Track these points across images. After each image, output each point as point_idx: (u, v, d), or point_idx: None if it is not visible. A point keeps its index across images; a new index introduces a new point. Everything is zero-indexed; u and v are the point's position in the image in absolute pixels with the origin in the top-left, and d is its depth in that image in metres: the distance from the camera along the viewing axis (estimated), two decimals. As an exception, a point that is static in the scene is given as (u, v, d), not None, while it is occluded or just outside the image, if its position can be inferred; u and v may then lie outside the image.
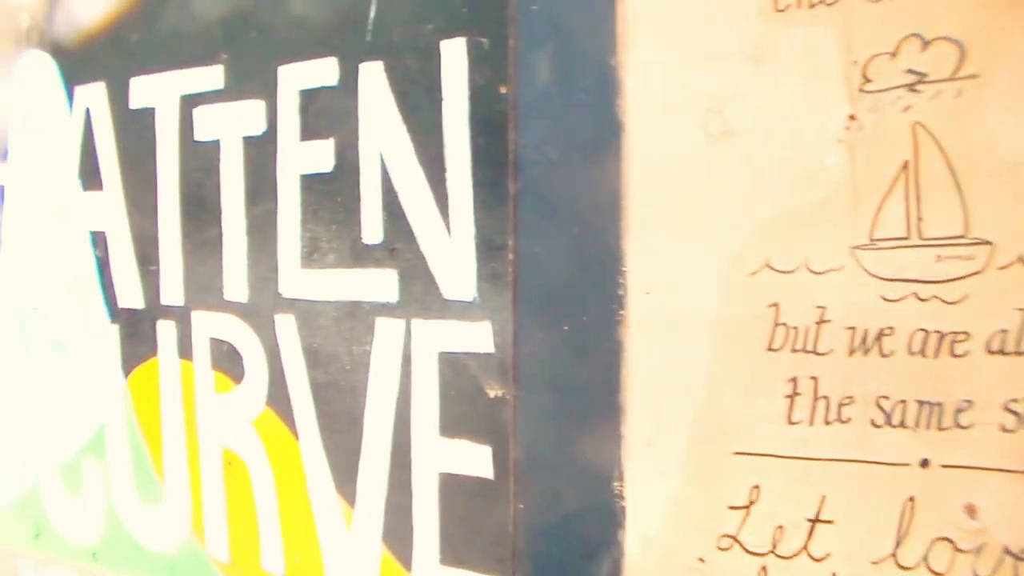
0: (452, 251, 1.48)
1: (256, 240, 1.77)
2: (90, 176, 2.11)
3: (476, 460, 1.47)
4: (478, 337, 1.46)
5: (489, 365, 1.45)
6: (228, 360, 1.82)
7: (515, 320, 1.43)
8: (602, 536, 1.38)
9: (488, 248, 1.45)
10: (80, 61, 2.14)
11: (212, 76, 1.84)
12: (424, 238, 1.52)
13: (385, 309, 1.57)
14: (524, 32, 1.42)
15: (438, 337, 1.51)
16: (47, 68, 2.22)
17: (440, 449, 1.51)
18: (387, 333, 1.57)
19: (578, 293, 1.38)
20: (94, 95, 2.10)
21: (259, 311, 1.77)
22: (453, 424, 1.50)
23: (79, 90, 2.14)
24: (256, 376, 1.77)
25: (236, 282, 1.80)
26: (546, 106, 1.40)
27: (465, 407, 1.49)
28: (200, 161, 1.87)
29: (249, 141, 1.77)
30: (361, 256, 1.60)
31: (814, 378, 1.23)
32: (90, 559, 2.15)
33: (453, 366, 1.49)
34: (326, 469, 1.68)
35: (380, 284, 1.57)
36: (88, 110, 2.11)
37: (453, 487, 1.51)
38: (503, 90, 1.44)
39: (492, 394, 1.45)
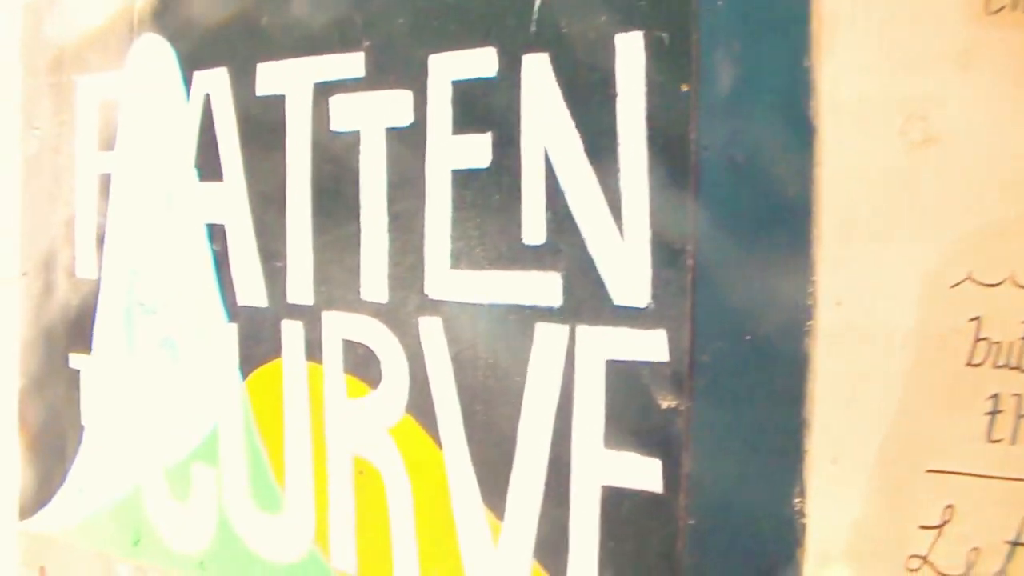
0: (624, 254, 1.64)
1: (399, 238, 1.94)
2: (208, 166, 2.30)
3: (644, 473, 1.63)
4: (651, 345, 1.62)
5: (662, 375, 1.61)
6: (363, 364, 2.00)
7: (692, 328, 1.58)
8: (779, 554, 1.53)
9: (665, 252, 1.60)
10: (200, 46, 2.33)
11: (352, 64, 2.01)
12: (593, 240, 1.68)
13: (546, 314, 1.73)
14: (708, 28, 1.58)
15: (606, 344, 1.67)
16: (163, 53, 2.42)
17: (604, 461, 1.67)
18: (548, 339, 1.73)
19: (762, 302, 1.52)
20: (215, 81, 2.28)
21: (401, 313, 1.94)
22: (619, 435, 1.66)
23: (198, 76, 2.32)
24: (395, 381, 1.95)
25: (375, 281, 1.97)
26: (731, 107, 1.55)
27: (633, 418, 1.64)
28: (336, 152, 2.04)
29: (393, 133, 1.94)
30: (520, 257, 1.76)
31: (1017, 395, 1.36)
32: (196, 568, 2.34)
33: (622, 375, 1.65)
34: (472, 480, 1.84)
35: (541, 287, 1.74)
36: (208, 96, 2.30)
37: (616, 501, 1.67)
38: (684, 88, 1.59)
39: (664, 405, 1.61)
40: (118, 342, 2.51)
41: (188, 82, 2.33)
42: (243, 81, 2.20)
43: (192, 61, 2.33)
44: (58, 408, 2.73)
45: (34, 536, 2.79)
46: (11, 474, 2.87)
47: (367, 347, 1.96)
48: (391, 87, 1.92)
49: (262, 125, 2.16)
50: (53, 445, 2.76)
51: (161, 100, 2.40)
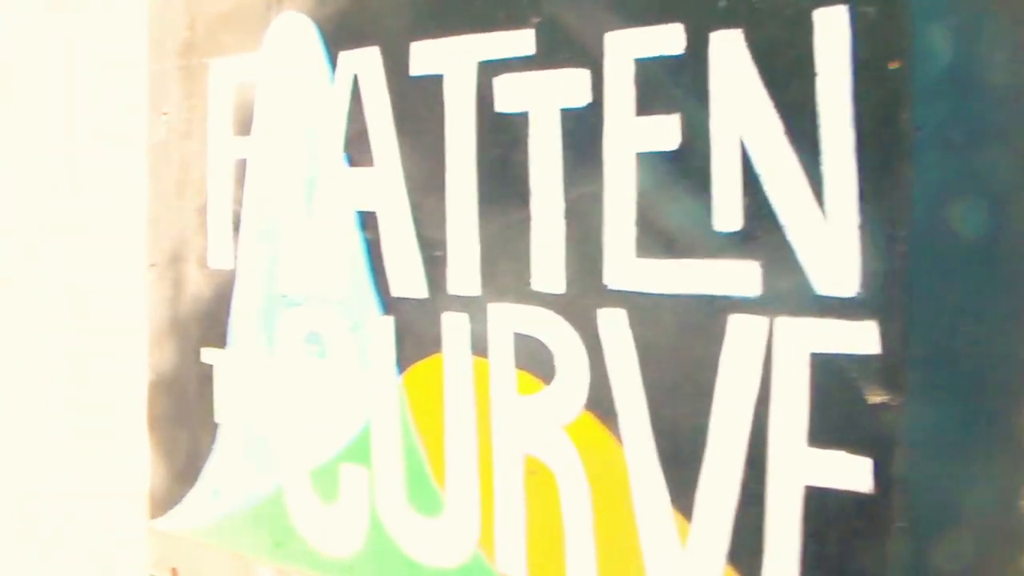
0: (829, 242, 1.70)
1: (576, 224, 2.02)
2: (358, 150, 2.40)
3: (852, 473, 1.69)
4: (860, 337, 1.68)
5: (872, 368, 1.67)
6: (535, 358, 2.08)
7: (907, 319, 1.64)
8: (1004, 558, 1.59)
9: (875, 240, 1.66)
10: (347, 24, 2.44)
11: (520, 41, 2.10)
12: (794, 227, 1.74)
13: (742, 304, 1.80)
14: (920, 1, 1.63)
15: (810, 336, 1.73)
16: (305, 32, 2.53)
17: (807, 460, 1.74)
18: (744, 331, 1.80)
19: (987, 291, 1.58)
20: (364, 61, 2.39)
21: (578, 304, 2.02)
22: (825, 433, 1.72)
23: (345, 56, 2.43)
24: (572, 376, 2.03)
25: (549, 271, 2.06)
26: (948, 85, 1.61)
27: (841, 414, 1.70)
28: (502, 135, 2.13)
29: (568, 114, 2.02)
30: (712, 245, 1.84)
31: None
32: (344, 572, 2.46)
33: (827, 369, 1.72)
34: (659, 480, 1.92)
35: (736, 276, 1.81)
36: (356, 77, 2.40)
37: (821, 501, 1.73)
38: (893, 66, 1.65)
39: (875, 401, 1.67)
40: (257, 336, 2.63)
41: (333, 63, 2.43)
42: (396, 61, 2.30)
43: (338, 40, 2.43)
44: (190, 405, 2.87)
45: (165, 535, 2.94)
46: (140, 471, 3.03)
47: (540, 341, 2.04)
48: (565, 65, 2.01)
49: (418, 107, 2.25)
50: (184, 443, 2.91)
51: (303, 82, 2.51)
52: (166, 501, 2.91)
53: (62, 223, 3.28)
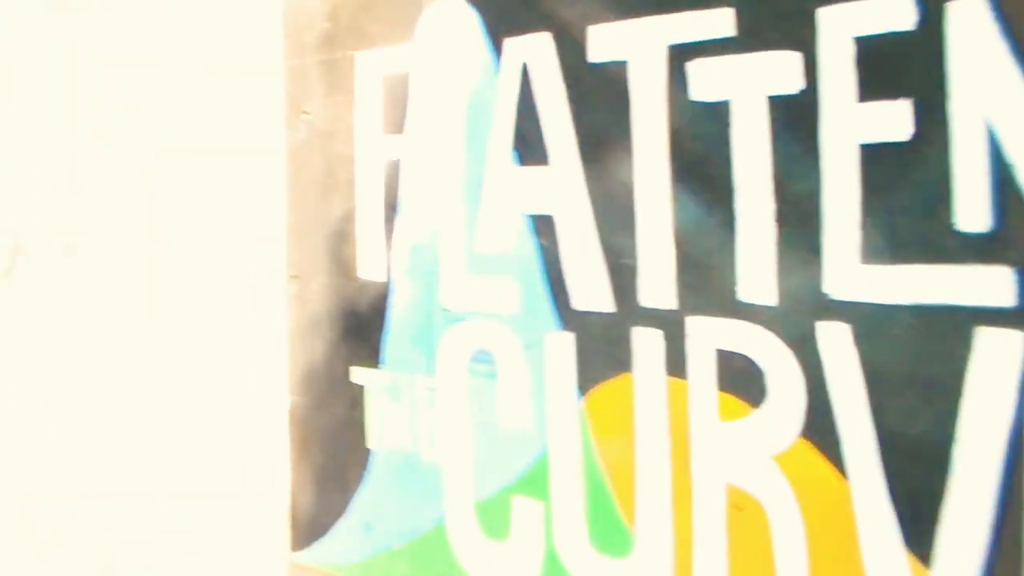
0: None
1: (789, 227, 1.93)
2: (529, 147, 2.34)
3: None
4: None
5: None
6: (742, 379, 2.00)
7: None
8: None
9: None
10: (513, 8, 2.38)
11: (717, 21, 2.01)
12: (1056, 225, 1.63)
13: (993, 316, 1.69)
14: None
15: (1082, 353, 1.61)
16: (463, 19, 2.48)
17: (1077, 496, 1.62)
18: (995, 346, 1.69)
19: None
20: (535, 48, 2.33)
21: (793, 317, 1.93)
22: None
23: (511, 43, 2.38)
24: (786, 399, 1.94)
25: (759, 280, 1.97)
26: None
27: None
28: (699, 127, 2.05)
29: (777, 102, 1.94)
30: (954, 248, 1.73)
31: None
32: (518, 618, 2.39)
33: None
34: (889, 517, 1.81)
35: (985, 284, 1.69)
36: (525, 67, 2.35)
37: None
38: None
39: None
40: (415, 354, 2.60)
41: (498, 51, 2.39)
42: (571, 47, 2.25)
43: (502, 26, 2.39)
44: (337, 429, 2.85)
45: (308, 569, 2.92)
46: (280, 499, 3.01)
47: (748, 359, 1.97)
48: (771, 47, 1.93)
49: (599, 98, 2.20)
50: (331, 470, 2.89)
51: (463, 74, 2.47)
52: (310, 533, 2.89)
53: (194, 234, 3.28)
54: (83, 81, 3.80)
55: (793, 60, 1.89)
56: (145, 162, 3.49)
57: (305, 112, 2.86)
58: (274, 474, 3.03)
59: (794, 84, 1.90)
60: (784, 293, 1.91)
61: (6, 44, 4.16)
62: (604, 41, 2.17)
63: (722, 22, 1.98)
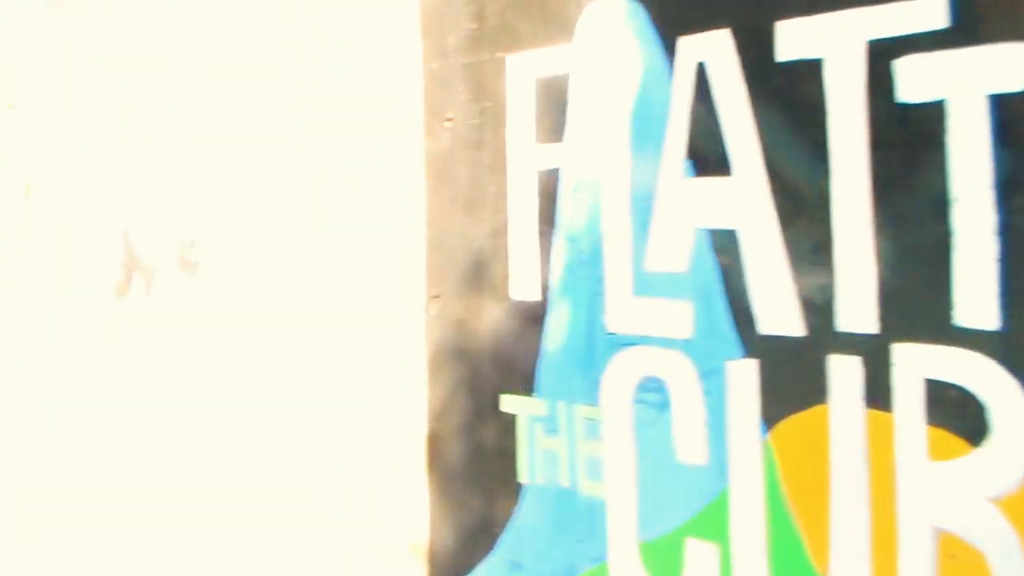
0: None
1: (1016, 243, 1.81)
2: (707, 156, 2.25)
3: None
4: None
5: None
6: (958, 413, 1.89)
7: None
8: None
9: None
10: (686, 4, 2.29)
11: (926, 13, 1.90)
12: None
13: None
14: None
15: None
16: (630, 16, 2.40)
17: None
18: None
19: None
20: (713, 47, 2.24)
21: (1019, 343, 1.80)
22: None
23: (686, 42, 2.29)
24: (1010, 437, 1.82)
25: (978, 302, 1.86)
26: None
27: None
28: (907, 131, 1.94)
29: (1001, 101, 1.83)
30: None
31: None
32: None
33: None
34: None
35: None
36: (702, 67, 2.26)
37: None
38: None
39: None
40: (575, 382, 2.53)
41: (670, 51, 2.32)
42: (755, 45, 2.16)
43: (674, 24, 2.31)
44: (483, 461, 2.78)
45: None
46: (418, 534, 2.94)
47: (965, 390, 1.87)
48: (992, 40, 1.82)
49: (788, 100, 2.11)
50: (476, 504, 2.82)
51: (629, 76, 2.40)
52: (449, 570, 2.85)
53: (325, 249, 3.22)
54: (204, 91, 3.78)
55: (1018, 53, 1.78)
56: (272, 175, 3.44)
57: (448, 119, 2.79)
58: (410, 508, 2.95)
59: (1019, 81, 1.78)
60: (1009, 317, 1.80)
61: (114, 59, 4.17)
62: (794, 37, 2.09)
63: (932, 13, 1.89)
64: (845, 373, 2.02)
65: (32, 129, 4.66)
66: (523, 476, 2.65)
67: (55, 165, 4.59)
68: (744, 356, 2.17)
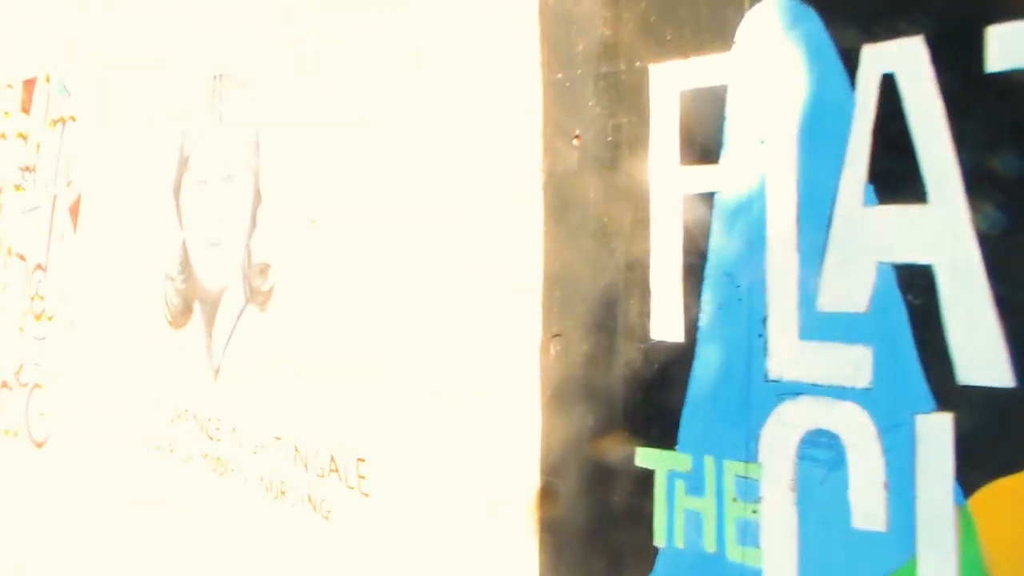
0: None
1: None
2: (894, 181, 2.14)
3: None
4: None
5: None
6: None
7: None
8: None
9: None
10: (870, 9, 2.19)
11: None
12: None
13: None
14: None
15: None
16: (799, 22, 2.29)
17: None
18: None
19: None
20: (904, 56, 2.13)
21: None
22: None
23: (871, 51, 2.18)
24: None
25: None
26: None
27: None
28: None
29: None
30: None
31: None
32: None
33: None
34: None
35: None
36: (891, 80, 2.15)
37: None
38: None
39: None
40: (727, 434, 2.42)
41: (850, 61, 2.21)
42: (958, 54, 2.04)
43: (856, 30, 2.20)
44: (610, 520, 2.68)
45: None
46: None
47: None
48: None
49: (998, 118, 1.99)
50: (598, 570, 2.72)
51: (801, 89, 2.29)
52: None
53: (432, 278, 3.11)
54: (322, 113, 3.70)
55: None
56: (365, 198, 3.34)
57: (576, 136, 2.68)
58: (519, 570, 2.81)
59: None
60: None
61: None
62: (1010, 44, 1.96)
63: None
64: (1066, 432, 1.84)
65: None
66: (659, 539, 2.55)
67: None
68: (936, 409, 2.06)
